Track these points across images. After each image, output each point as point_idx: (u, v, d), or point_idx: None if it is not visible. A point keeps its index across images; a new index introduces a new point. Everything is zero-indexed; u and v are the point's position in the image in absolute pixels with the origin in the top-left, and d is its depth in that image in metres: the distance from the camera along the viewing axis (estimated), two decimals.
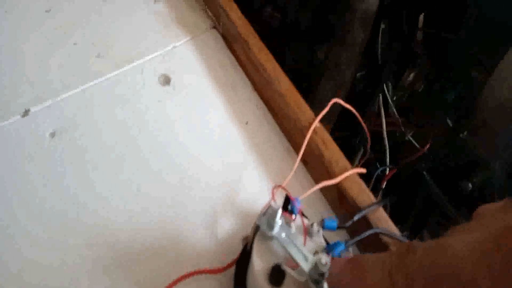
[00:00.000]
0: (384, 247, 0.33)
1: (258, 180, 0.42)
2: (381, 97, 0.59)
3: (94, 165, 0.42)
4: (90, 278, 0.36)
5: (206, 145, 0.44)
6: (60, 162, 0.42)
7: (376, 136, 0.57)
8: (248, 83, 0.48)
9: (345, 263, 0.27)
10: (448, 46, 0.52)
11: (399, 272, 0.22)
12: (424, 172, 0.54)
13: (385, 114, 0.57)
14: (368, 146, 0.51)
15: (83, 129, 0.45)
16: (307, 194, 0.35)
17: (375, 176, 0.55)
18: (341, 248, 0.31)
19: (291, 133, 0.43)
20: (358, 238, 0.32)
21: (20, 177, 0.41)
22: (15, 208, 0.39)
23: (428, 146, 0.53)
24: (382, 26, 0.55)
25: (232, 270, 0.36)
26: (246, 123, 0.45)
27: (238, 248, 0.37)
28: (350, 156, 0.59)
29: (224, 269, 0.36)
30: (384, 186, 0.55)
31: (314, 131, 0.39)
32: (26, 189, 0.40)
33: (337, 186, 0.37)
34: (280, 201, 0.35)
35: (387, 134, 0.56)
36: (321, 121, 0.41)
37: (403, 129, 0.56)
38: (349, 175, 0.37)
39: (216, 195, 0.41)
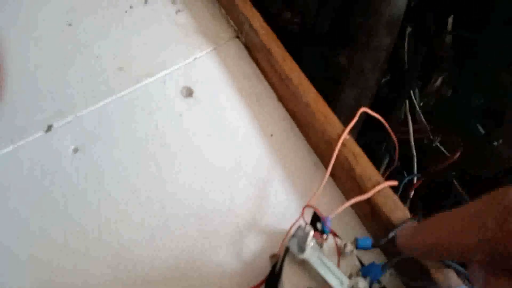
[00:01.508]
0: (424, 269, 0.32)
1: (284, 195, 0.41)
2: (407, 103, 0.57)
3: (116, 181, 0.42)
4: None
5: (230, 159, 0.43)
6: (83, 178, 0.42)
7: (402, 143, 0.55)
8: (273, 93, 0.47)
9: (415, 225, 0.26)
10: (477, 49, 0.50)
11: (490, 213, 0.21)
12: (454, 181, 0.52)
13: (412, 120, 0.55)
14: (396, 154, 0.49)
15: (105, 145, 0.44)
16: (338, 211, 0.34)
17: (402, 185, 0.53)
18: (378, 271, 0.29)
19: (319, 146, 0.42)
20: (396, 259, 0.31)
21: (43, 194, 0.41)
22: (38, 225, 0.39)
23: (458, 154, 0.51)
24: (408, 29, 0.54)
25: None
26: (271, 136, 0.44)
27: (265, 268, 0.36)
28: (376, 165, 0.58)
29: None
30: (412, 195, 0.53)
31: (343, 143, 0.38)
32: (49, 206, 0.40)
33: (369, 201, 0.36)
34: (308, 217, 0.34)
35: (414, 141, 0.55)
36: None
37: (431, 136, 0.54)
38: (382, 189, 0.35)
39: (241, 211, 0.40)
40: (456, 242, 0.23)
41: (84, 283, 0.36)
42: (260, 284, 0.35)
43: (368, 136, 0.60)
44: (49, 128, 0.46)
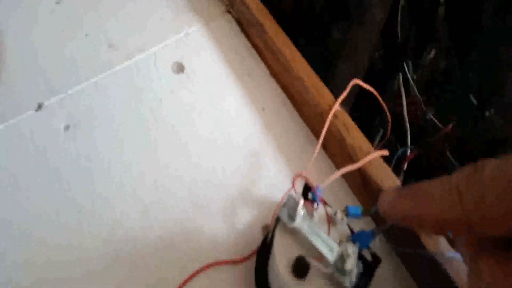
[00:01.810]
0: (413, 235, 0.32)
1: (276, 168, 0.41)
2: (401, 76, 0.57)
3: (109, 158, 0.42)
4: (106, 271, 0.36)
5: (222, 133, 0.43)
6: (75, 155, 0.42)
7: (396, 116, 0.55)
8: (265, 68, 0.47)
9: (396, 191, 0.25)
10: (472, 21, 0.49)
11: (468, 188, 0.20)
12: (447, 153, 0.52)
13: (405, 94, 0.55)
14: (389, 127, 0.49)
15: (97, 121, 0.44)
16: (329, 181, 0.34)
17: (395, 158, 0.54)
18: (367, 237, 0.30)
19: (311, 118, 0.42)
20: (385, 226, 0.31)
21: (35, 172, 0.41)
22: (31, 202, 0.39)
23: (451, 125, 0.51)
24: (402, 2, 0.53)
25: (252, 261, 0.35)
26: (263, 109, 0.44)
27: (258, 238, 0.36)
28: (369, 138, 0.58)
29: (244, 260, 0.36)
30: (405, 167, 0.54)
31: (335, 115, 0.38)
32: (42, 183, 0.40)
33: (360, 171, 0.36)
34: (299, 189, 0.34)
35: (408, 114, 0.55)
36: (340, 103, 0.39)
37: (424, 109, 0.54)
38: (373, 159, 0.35)
39: (233, 184, 0.40)
40: (435, 215, 0.23)
41: (78, 258, 0.36)
42: (252, 254, 0.36)
43: (361, 111, 0.60)
44: (40, 106, 0.46)
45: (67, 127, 0.44)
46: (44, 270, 0.36)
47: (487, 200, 0.20)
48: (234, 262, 0.36)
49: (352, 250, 0.28)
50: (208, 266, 0.35)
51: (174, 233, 0.38)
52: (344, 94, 0.39)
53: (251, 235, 0.37)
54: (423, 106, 0.54)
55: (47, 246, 0.37)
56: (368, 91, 0.45)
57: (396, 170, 0.53)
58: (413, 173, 0.55)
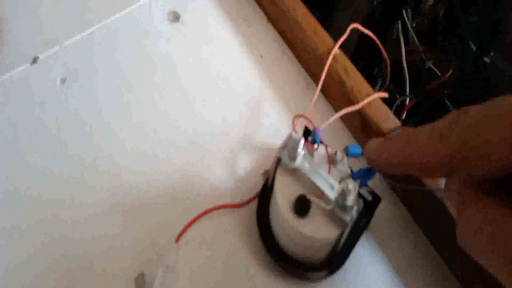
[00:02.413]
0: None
1: (276, 115, 0.41)
2: (400, 25, 0.56)
3: (107, 109, 0.41)
4: (109, 220, 0.36)
5: (221, 82, 0.43)
6: (73, 107, 0.42)
7: (396, 66, 0.55)
8: (262, 14, 0.46)
9: (382, 139, 0.26)
10: None
11: (452, 131, 0.21)
12: (446, 101, 0.52)
13: (404, 42, 0.55)
14: (388, 74, 0.49)
15: (93, 73, 0.43)
16: (328, 122, 0.34)
17: (394, 106, 0.53)
18: (366, 174, 0.30)
19: (310, 63, 0.41)
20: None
21: (33, 124, 0.41)
22: (31, 155, 0.39)
23: (449, 72, 0.50)
24: None
25: (254, 204, 0.36)
26: (261, 57, 0.44)
27: (259, 183, 0.37)
28: None
29: (246, 203, 0.36)
30: (404, 116, 0.54)
31: (334, 58, 0.38)
32: (40, 135, 0.40)
33: (359, 113, 0.36)
34: (300, 132, 0.35)
35: (407, 62, 0.54)
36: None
37: (423, 57, 0.53)
38: (372, 100, 0.35)
39: (234, 131, 0.40)
40: (419, 159, 0.23)
41: (81, 210, 0.37)
42: (254, 198, 0.36)
43: (360, 60, 0.59)
44: (35, 60, 0.45)
45: (63, 80, 0.44)
46: (48, 224, 0.36)
47: (469, 142, 0.20)
48: (236, 206, 0.36)
49: (353, 186, 0.28)
50: (211, 210, 0.36)
51: (176, 181, 0.38)
52: (344, 37, 0.38)
53: (253, 180, 0.38)
54: (422, 54, 0.53)
55: (49, 200, 0.37)
56: (367, 40, 0.44)
57: None
58: (412, 121, 0.55)
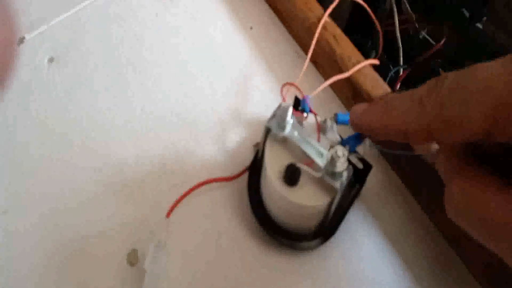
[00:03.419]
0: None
1: (266, 87, 0.40)
2: None
3: (95, 88, 0.41)
4: (100, 199, 0.36)
5: (210, 56, 0.42)
6: (61, 87, 0.41)
7: (389, 36, 0.54)
8: None
9: (367, 104, 0.26)
10: None
11: (429, 98, 0.21)
12: (440, 69, 0.52)
13: (397, 11, 0.54)
14: (381, 45, 0.48)
15: (81, 52, 0.43)
16: (318, 90, 0.33)
17: (388, 77, 0.53)
18: (356, 140, 0.29)
19: (300, 34, 0.41)
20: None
21: (22, 106, 0.40)
22: (21, 136, 0.39)
23: (443, 41, 0.50)
24: None
25: (245, 176, 0.35)
26: (251, 28, 0.43)
27: (251, 157, 0.36)
28: None
29: (237, 176, 0.36)
30: (398, 87, 0.53)
31: (324, 26, 0.37)
32: (29, 116, 0.39)
33: (350, 81, 0.35)
34: (290, 103, 0.34)
35: (400, 32, 0.53)
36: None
37: (417, 26, 0.52)
38: (362, 68, 0.35)
39: (224, 105, 0.40)
40: (398, 124, 0.23)
41: (72, 189, 0.36)
42: (244, 170, 0.36)
43: (353, 33, 0.58)
44: (21, 40, 0.44)
45: (51, 60, 0.43)
46: (39, 203, 0.36)
47: (444, 109, 0.20)
48: (227, 179, 0.36)
49: (341, 152, 0.28)
50: (202, 184, 0.35)
51: (166, 158, 0.38)
52: (334, 4, 0.37)
53: (243, 154, 0.37)
54: (415, 23, 0.53)
55: (38, 181, 0.37)
56: (359, 12, 0.44)
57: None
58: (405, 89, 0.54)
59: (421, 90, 0.22)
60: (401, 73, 0.52)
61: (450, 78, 0.21)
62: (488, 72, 0.19)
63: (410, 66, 0.52)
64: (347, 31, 0.57)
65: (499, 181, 0.20)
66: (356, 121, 0.26)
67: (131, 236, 0.34)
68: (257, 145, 0.37)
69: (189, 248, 0.34)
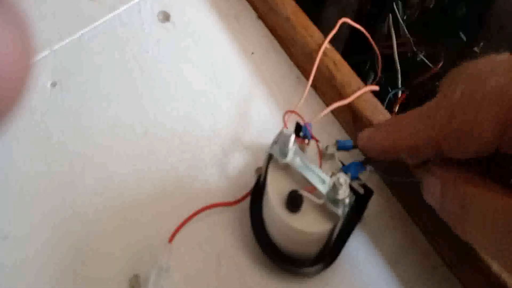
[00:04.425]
0: (404, 164, 0.33)
1: (267, 112, 0.41)
2: (390, 18, 0.56)
3: (97, 112, 0.41)
4: (100, 223, 0.36)
5: (211, 81, 0.42)
6: (63, 112, 0.41)
7: (387, 59, 0.54)
8: (252, 11, 0.46)
9: (374, 128, 0.27)
10: None
11: (438, 110, 0.22)
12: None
13: (395, 35, 0.55)
14: (379, 68, 0.48)
15: (83, 77, 0.43)
16: (319, 117, 0.34)
17: (387, 100, 0.53)
18: (359, 166, 0.30)
19: (300, 59, 0.41)
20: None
21: (23, 131, 0.40)
22: (21, 159, 0.39)
23: (440, 64, 0.50)
24: None
25: (247, 202, 0.36)
26: (252, 54, 0.44)
27: (251, 181, 0.37)
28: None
29: (239, 201, 0.36)
30: (397, 109, 0.54)
31: (324, 52, 0.37)
32: (30, 141, 0.40)
33: (350, 107, 0.36)
34: (291, 128, 0.34)
35: (398, 55, 0.54)
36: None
37: (414, 49, 0.53)
38: (363, 94, 0.35)
39: (225, 130, 0.40)
40: (408, 141, 0.24)
41: (74, 214, 0.36)
42: (246, 195, 0.36)
43: (351, 57, 0.59)
44: None
45: (54, 84, 0.43)
46: (39, 227, 0.36)
47: (456, 116, 0.21)
48: (229, 204, 0.36)
49: (343, 179, 0.28)
50: (204, 209, 0.36)
51: (167, 183, 0.38)
52: (333, 31, 0.38)
53: (245, 179, 0.38)
54: (413, 46, 0.53)
55: (39, 203, 0.37)
56: (358, 36, 0.44)
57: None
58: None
59: (429, 104, 0.23)
60: (399, 95, 0.53)
61: (460, 86, 0.21)
62: (499, 79, 0.20)
63: (408, 89, 0.53)
64: (345, 53, 0.58)
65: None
66: (365, 145, 0.27)
67: (132, 260, 0.35)
68: (259, 169, 0.38)
69: (191, 273, 0.34)
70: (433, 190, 0.25)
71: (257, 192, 0.35)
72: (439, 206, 0.25)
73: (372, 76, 0.58)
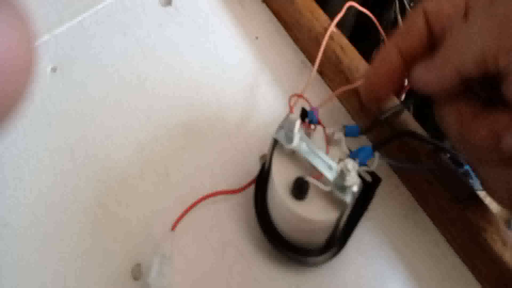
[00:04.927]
0: (413, 151, 0.32)
1: (272, 98, 0.40)
2: (397, 4, 0.55)
3: (99, 97, 0.40)
4: (103, 211, 0.35)
5: (215, 66, 0.41)
6: (64, 97, 0.41)
7: None
8: None
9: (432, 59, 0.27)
10: None
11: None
12: None
13: (402, 19, 0.53)
14: None
15: (84, 61, 0.42)
16: (325, 101, 0.33)
17: None
18: (367, 152, 0.29)
19: (306, 43, 0.40)
20: (384, 141, 0.30)
21: (23, 117, 0.39)
22: (22, 145, 0.38)
23: None
24: None
25: (251, 189, 0.35)
26: (256, 38, 0.42)
27: (257, 168, 0.36)
28: None
29: (243, 188, 0.35)
30: (403, 98, 0.53)
31: (331, 36, 0.36)
32: (30, 127, 0.39)
33: (357, 92, 0.35)
34: (297, 114, 0.34)
35: None
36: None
37: None
38: None
39: (229, 116, 0.39)
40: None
41: (75, 202, 0.36)
42: (251, 182, 0.35)
43: (358, 43, 0.58)
44: None
45: (54, 69, 0.42)
46: (41, 217, 0.35)
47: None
48: (233, 191, 0.35)
49: (352, 165, 0.27)
50: (207, 196, 0.35)
51: (170, 169, 0.37)
52: (340, 14, 0.37)
53: (249, 165, 0.37)
54: None
55: (40, 194, 0.36)
56: (364, 22, 0.43)
57: None
58: (411, 101, 0.54)
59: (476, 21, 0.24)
60: (406, 83, 0.52)
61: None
62: None
63: None
64: (351, 40, 0.57)
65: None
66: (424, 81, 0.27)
67: (135, 249, 0.34)
68: (264, 156, 0.37)
69: (194, 261, 0.33)
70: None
71: (262, 179, 0.34)
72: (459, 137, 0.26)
73: None
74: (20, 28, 0.18)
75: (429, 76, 0.26)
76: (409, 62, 0.28)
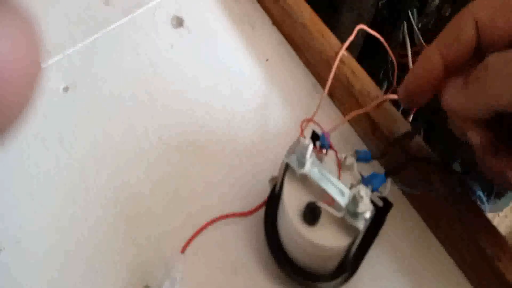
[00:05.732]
0: (425, 175, 0.32)
1: (282, 120, 0.40)
2: (405, 25, 0.55)
3: (110, 117, 0.41)
4: (112, 231, 0.36)
5: (225, 87, 0.42)
6: (76, 116, 0.41)
7: (402, 67, 0.54)
8: (267, 17, 0.45)
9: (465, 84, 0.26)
10: None
11: None
12: None
13: (410, 43, 0.54)
14: (395, 74, 0.48)
15: (96, 81, 0.43)
16: (337, 125, 0.33)
17: (401, 108, 0.53)
18: (379, 179, 0.29)
19: (316, 66, 0.40)
20: (397, 167, 0.31)
21: (35, 136, 0.40)
22: (32, 166, 0.38)
23: None
24: None
25: (261, 212, 0.35)
26: (267, 60, 0.43)
27: (266, 191, 0.36)
28: None
29: (253, 211, 0.35)
30: (411, 117, 0.53)
31: (341, 60, 0.37)
32: (42, 146, 0.39)
33: (368, 116, 0.35)
34: (308, 138, 0.34)
35: (413, 63, 0.53)
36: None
37: None
38: (381, 102, 0.34)
39: (239, 137, 0.39)
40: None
41: (84, 221, 0.36)
42: (261, 205, 0.35)
43: (366, 64, 0.59)
44: None
45: (66, 89, 0.43)
46: (50, 235, 0.35)
47: None
48: (243, 214, 0.35)
49: (364, 192, 0.27)
50: (217, 219, 0.35)
51: (181, 190, 0.37)
52: (351, 38, 0.37)
53: (259, 187, 0.37)
54: None
55: (50, 214, 0.36)
56: (372, 42, 0.44)
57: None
58: (419, 122, 0.54)
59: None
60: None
61: None
62: None
63: None
64: (360, 60, 0.58)
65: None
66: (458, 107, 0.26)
67: (143, 270, 0.34)
68: (273, 178, 0.37)
69: (203, 284, 0.33)
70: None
71: (272, 202, 0.34)
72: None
73: (386, 84, 0.58)
74: (26, 34, 0.18)
75: (461, 101, 0.25)
76: (451, 70, 0.27)
